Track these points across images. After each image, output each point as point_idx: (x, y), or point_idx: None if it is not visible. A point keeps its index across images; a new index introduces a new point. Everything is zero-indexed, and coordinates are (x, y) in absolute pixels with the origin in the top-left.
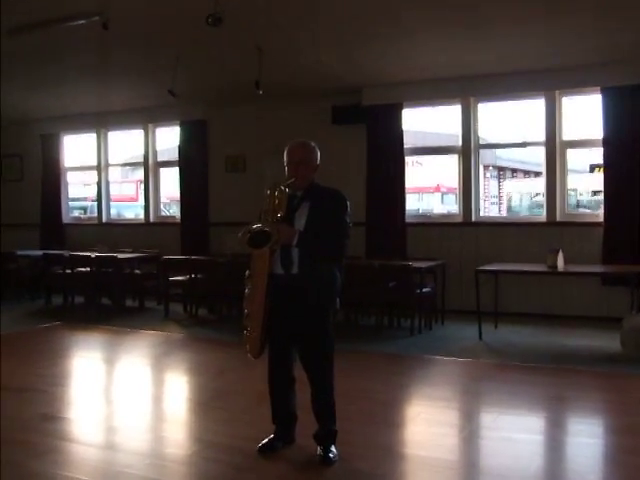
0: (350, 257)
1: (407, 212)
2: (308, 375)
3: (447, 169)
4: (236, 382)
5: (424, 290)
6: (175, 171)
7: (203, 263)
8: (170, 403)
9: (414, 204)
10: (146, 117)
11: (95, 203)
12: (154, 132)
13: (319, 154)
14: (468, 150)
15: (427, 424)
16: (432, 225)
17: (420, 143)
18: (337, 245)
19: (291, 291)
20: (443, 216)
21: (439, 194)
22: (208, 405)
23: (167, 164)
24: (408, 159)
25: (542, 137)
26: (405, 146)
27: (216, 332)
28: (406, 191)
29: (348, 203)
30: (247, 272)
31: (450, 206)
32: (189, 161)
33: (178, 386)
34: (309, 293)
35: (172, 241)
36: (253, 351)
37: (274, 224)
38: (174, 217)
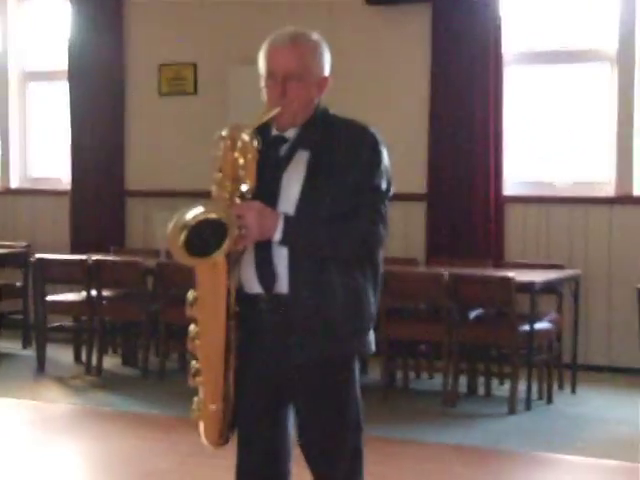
0: (392, 260)
1: (507, 178)
2: (315, 478)
3: (586, 97)
4: None
5: (538, 327)
6: (60, 91)
7: (113, 269)
8: None
9: (521, 163)
10: None
11: None
12: (16, 8)
13: (328, 57)
14: (631, 60)
15: None
16: (556, 202)
17: (534, 45)
18: (364, 236)
19: (277, 327)
20: (578, 186)
21: (570, 145)
22: None
23: (44, 77)
24: (511, 74)
25: None
26: (506, 51)
27: (138, 400)
28: (504, 138)
29: (385, 152)
30: (190, 293)
31: (592, 170)
32: (89, 73)
33: None
34: (311, 329)
35: (54, 226)
36: (210, 435)
37: (234, 204)
38: (58, 181)
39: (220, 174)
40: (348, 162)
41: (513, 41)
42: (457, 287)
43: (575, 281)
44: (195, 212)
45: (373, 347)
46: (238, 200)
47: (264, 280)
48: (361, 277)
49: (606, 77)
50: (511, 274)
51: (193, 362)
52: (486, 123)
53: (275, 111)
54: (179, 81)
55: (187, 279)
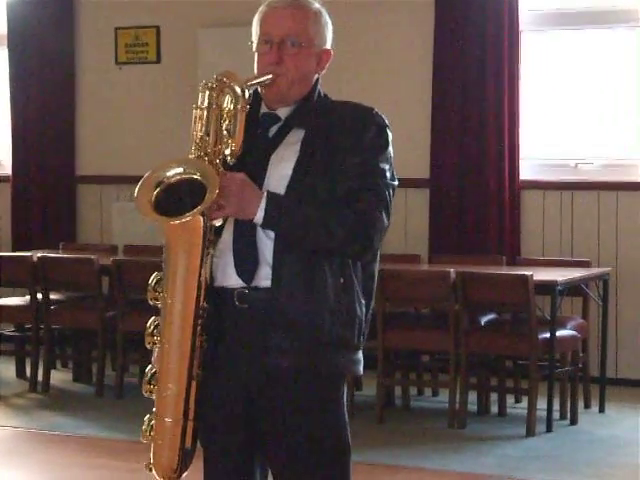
0: (390, 257)
1: (524, 160)
2: None
3: (615, 66)
4: None
5: (560, 334)
6: None
7: (62, 268)
8: None
9: (539, 143)
10: None
11: None
12: None
13: (331, 30)
14: None
15: None
16: (580, 188)
17: (554, 5)
18: (363, 221)
19: (254, 326)
20: (606, 169)
21: (596, 122)
22: None
23: None
24: (528, 39)
25: None
26: (522, 12)
27: (92, 422)
28: (520, 114)
29: (390, 134)
30: (155, 275)
31: (622, 150)
32: (32, 38)
33: None
34: (294, 332)
35: None
36: (163, 461)
37: (214, 169)
38: None
39: (200, 132)
40: (350, 143)
41: (530, 1)
42: (466, 288)
43: (603, 281)
44: (171, 170)
45: (361, 369)
46: (220, 165)
47: (243, 269)
48: (354, 278)
49: (638, 42)
50: (529, 273)
51: (149, 365)
52: (499, 97)
53: (267, 77)
54: (139, 47)
55: (149, 280)
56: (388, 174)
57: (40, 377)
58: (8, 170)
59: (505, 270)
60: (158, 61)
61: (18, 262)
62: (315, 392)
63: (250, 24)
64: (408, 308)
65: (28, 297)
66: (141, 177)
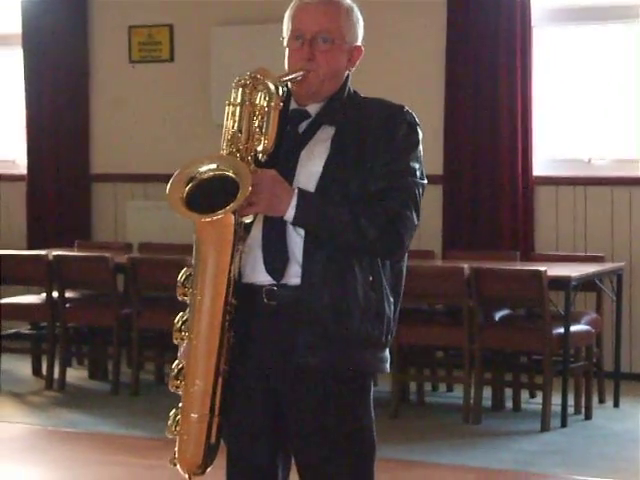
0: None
1: (537, 156)
2: None
3: (629, 61)
4: None
5: (575, 329)
6: (13, 59)
7: (77, 266)
8: None
9: (553, 139)
10: None
11: None
12: None
13: (362, 26)
14: None
15: None
16: (594, 183)
17: (568, 1)
18: (394, 226)
19: (283, 324)
20: (620, 164)
21: (610, 117)
22: None
23: None
24: (541, 35)
25: None
26: (535, 8)
27: (108, 419)
28: (533, 110)
29: (420, 132)
30: (185, 270)
31: (636, 145)
32: (46, 37)
33: None
34: (323, 330)
35: (8, 216)
36: (188, 456)
37: (247, 166)
38: (12, 164)
39: (233, 129)
40: (381, 141)
41: None
42: (479, 284)
43: (617, 276)
44: (204, 167)
45: (387, 367)
46: (251, 162)
47: (273, 266)
48: (383, 277)
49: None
50: (542, 268)
51: (176, 361)
52: (512, 93)
53: (299, 74)
54: (153, 46)
55: (164, 278)
56: (418, 173)
57: (56, 375)
58: (23, 169)
59: (519, 266)
60: (171, 59)
61: (34, 261)
62: (343, 390)
63: (263, 22)
64: (422, 304)
65: (44, 295)
66: (155, 175)
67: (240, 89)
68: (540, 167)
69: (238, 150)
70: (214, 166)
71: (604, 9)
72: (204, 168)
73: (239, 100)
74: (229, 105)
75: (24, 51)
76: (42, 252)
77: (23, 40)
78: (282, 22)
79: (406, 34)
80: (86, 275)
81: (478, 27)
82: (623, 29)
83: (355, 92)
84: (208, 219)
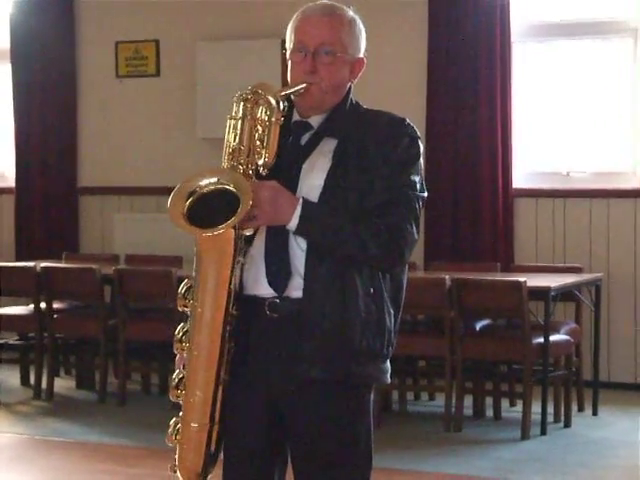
0: None
1: (517, 168)
2: None
3: (606, 76)
4: None
5: (554, 339)
6: (2, 76)
7: (65, 277)
8: None
9: (532, 152)
10: None
11: None
12: None
13: (364, 38)
14: None
15: None
16: (573, 196)
17: (546, 17)
18: (394, 234)
19: (285, 339)
20: (598, 177)
21: (588, 131)
22: None
23: None
24: (520, 50)
25: None
26: (514, 23)
27: (95, 429)
28: (513, 123)
29: (421, 146)
30: (185, 282)
31: (614, 159)
32: (34, 52)
33: None
34: (325, 342)
35: None
36: (188, 464)
37: (248, 179)
38: (1, 176)
39: (234, 143)
40: (382, 154)
41: (522, 12)
42: (461, 294)
43: (596, 286)
44: (205, 180)
45: (388, 378)
46: (252, 175)
47: (275, 279)
48: (384, 290)
49: (629, 53)
50: (522, 279)
51: (177, 371)
52: (492, 106)
53: (301, 86)
54: (139, 61)
55: (151, 289)
56: (418, 186)
57: (44, 385)
58: (12, 182)
59: (499, 276)
60: (158, 74)
61: (22, 272)
62: (344, 402)
63: (248, 37)
64: (405, 314)
65: (32, 306)
66: (142, 188)
67: (242, 103)
68: (520, 180)
69: (239, 164)
70: (215, 180)
71: (581, 25)
72: (205, 182)
73: (240, 114)
74: (231, 119)
75: (12, 66)
76: (30, 264)
77: (11, 55)
78: (266, 38)
79: (387, 50)
80: (73, 286)
81: (458, 43)
82: (601, 44)
83: (357, 103)
84: (209, 234)
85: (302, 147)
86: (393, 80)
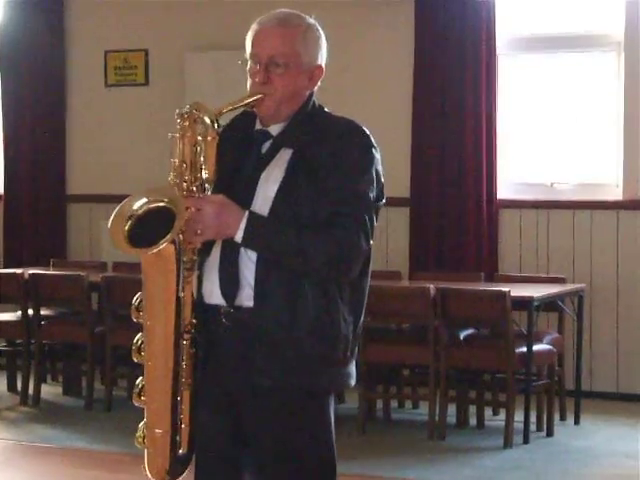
0: (372, 273)
1: (501, 179)
2: None
3: (590, 89)
4: None
5: (537, 348)
6: None
7: (52, 284)
8: None
9: (517, 163)
10: None
11: None
12: None
13: (323, 44)
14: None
15: None
16: (556, 207)
17: (531, 30)
18: (340, 247)
19: (237, 344)
20: (582, 189)
21: (572, 143)
22: None
23: None
24: (505, 62)
25: None
26: (500, 36)
27: (82, 435)
28: (498, 134)
29: (377, 158)
30: (139, 295)
31: (597, 170)
32: (23, 61)
33: None
34: (275, 350)
35: None
36: (155, 466)
37: (190, 195)
38: None
39: (176, 160)
40: (333, 164)
41: (507, 25)
42: (445, 304)
43: (579, 297)
44: (142, 200)
45: (352, 382)
46: (198, 191)
47: (225, 290)
48: (338, 297)
49: (612, 66)
50: (506, 289)
51: (140, 377)
52: (477, 118)
53: (255, 97)
54: (128, 70)
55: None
56: (371, 195)
57: (31, 391)
58: (0, 189)
59: (483, 286)
60: (146, 83)
61: (10, 279)
62: (299, 409)
63: (235, 48)
64: (389, 323)
65: (19, 313)
66: (128, 196)
67: (180, 121)
68: (504, 191)
69: (184, 180)
70: (144, 200)
71: (566, 38)
72: (136, 205)
73: (181, 132)
74: (173, 139)
75: (1, 74)
76: (18, 270)
77: (0, 64)
78: None
79: (374, 60)
80: (61, 293)
81: (444, 54)
82: (585, 58)
83: (321, 108)
84: (148, 252)
85: (261, 157)
86: (379, 90)
